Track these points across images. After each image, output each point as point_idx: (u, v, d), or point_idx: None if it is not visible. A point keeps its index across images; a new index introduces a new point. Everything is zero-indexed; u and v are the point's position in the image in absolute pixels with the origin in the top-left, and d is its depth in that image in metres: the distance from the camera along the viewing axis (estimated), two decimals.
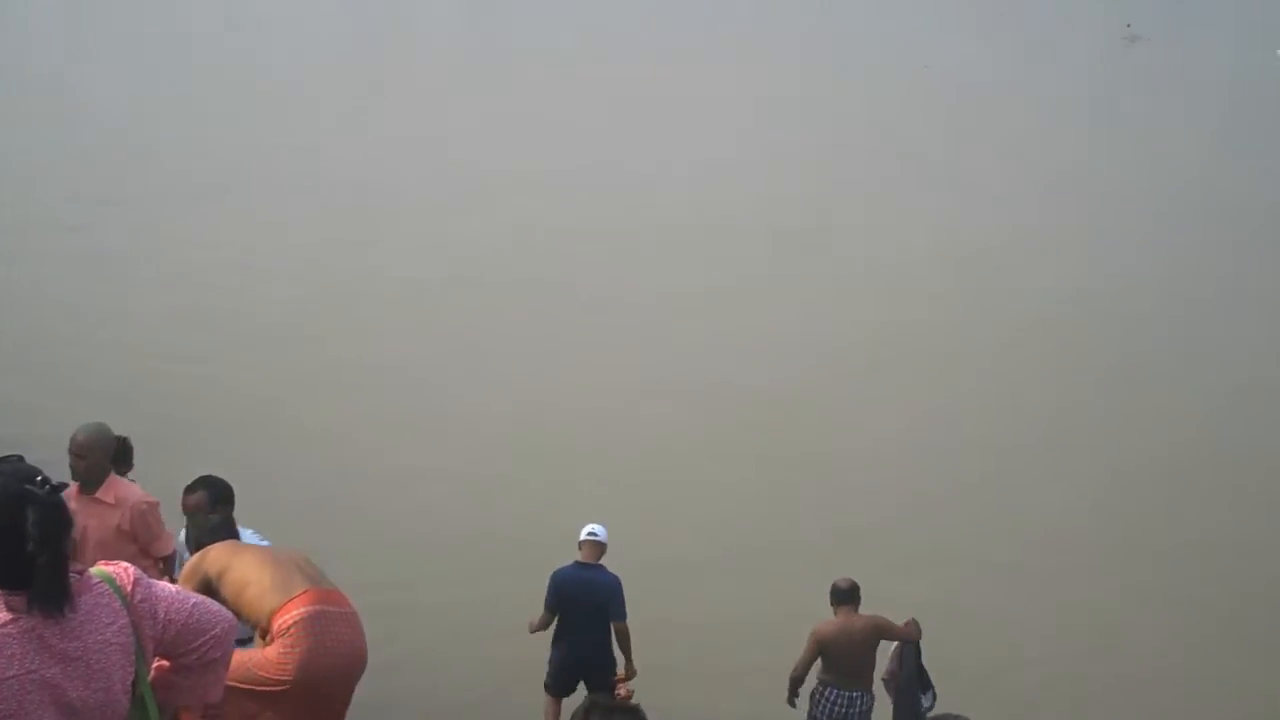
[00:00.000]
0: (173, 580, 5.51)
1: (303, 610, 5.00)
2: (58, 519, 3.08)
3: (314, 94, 32.45)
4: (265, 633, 5.07)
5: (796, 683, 8.09)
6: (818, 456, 13.38)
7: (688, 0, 60.23)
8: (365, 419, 13.68)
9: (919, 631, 8.19)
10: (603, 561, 8.34)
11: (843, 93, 37.55)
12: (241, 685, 4.82)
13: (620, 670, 8.30)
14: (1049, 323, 17.86)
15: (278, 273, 18.54)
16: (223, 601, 5.16)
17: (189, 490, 6.54)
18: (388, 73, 39.29)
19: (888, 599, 8.59)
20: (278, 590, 5.07)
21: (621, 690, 8.14)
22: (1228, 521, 12.56)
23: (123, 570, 3.26)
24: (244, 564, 5.23)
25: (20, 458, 3.65)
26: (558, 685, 8.43)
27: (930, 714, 7.94)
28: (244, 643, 4.70)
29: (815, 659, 8.04)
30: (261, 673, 4.94)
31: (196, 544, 5.76)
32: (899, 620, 8.18)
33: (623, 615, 8.18)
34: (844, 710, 8.05)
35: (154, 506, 6.72)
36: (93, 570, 3.22)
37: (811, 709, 8.19)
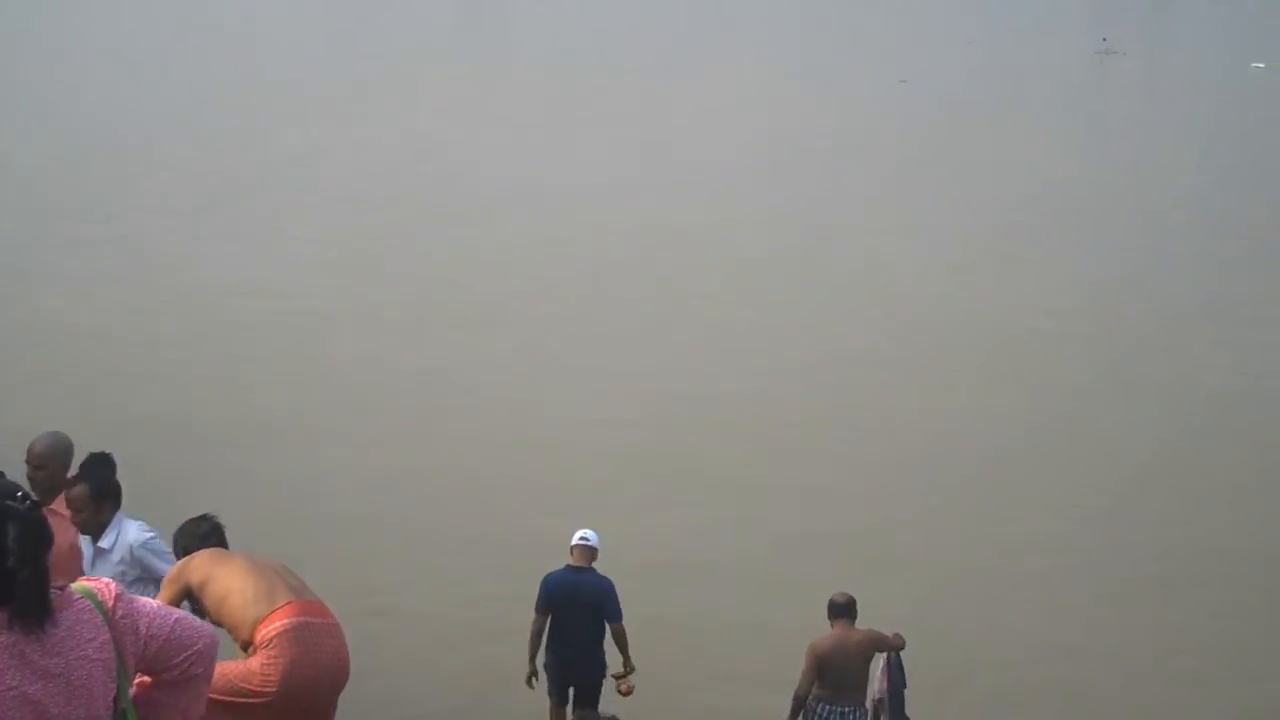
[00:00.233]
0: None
1: (286, 622, 4.98)
2: (39, 534, 3.06)
3: (312, 97, 32.44)
4: (247, 644, 5.05)
5: (800, 702, 7.78)
6: (810, 460, 13.39)
7: (687, 8, 60.33)
8: (356, 421, 13.65)
9: (903, 643, 8.17)
10: (593, 565, 8.35)
11: (837, 105, 37.70)
12: (224, 697, 4.79)
13: (619, 669, 8.32)
14: (1036, 331, 17.90)
15: (274, 275, 18.53)
16: (204, 610, 5.16)
17: (70, 482, 6.19)
18: (387, 74, 39.29)
19: (875, 602, 8.57)
20: (261, 601, 5.05)
21: (623, 686, 8.16)
22: (1215, 529, 12.60)
23: (104, 586, 3.25)
24: (226, 574, 5.21)
25: (0, 474, 3.63)
26: (554, 690, 8.43)
27: None
28: None
29: (816, 676, 7.78)
30: (244, 684, 4.92)
31: (184, 551, 5.70)
32: (888, 633, 8.14)
33: (618, 616, 8.19)
34: None
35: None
36: (74, 586, 3.21)
37: None
